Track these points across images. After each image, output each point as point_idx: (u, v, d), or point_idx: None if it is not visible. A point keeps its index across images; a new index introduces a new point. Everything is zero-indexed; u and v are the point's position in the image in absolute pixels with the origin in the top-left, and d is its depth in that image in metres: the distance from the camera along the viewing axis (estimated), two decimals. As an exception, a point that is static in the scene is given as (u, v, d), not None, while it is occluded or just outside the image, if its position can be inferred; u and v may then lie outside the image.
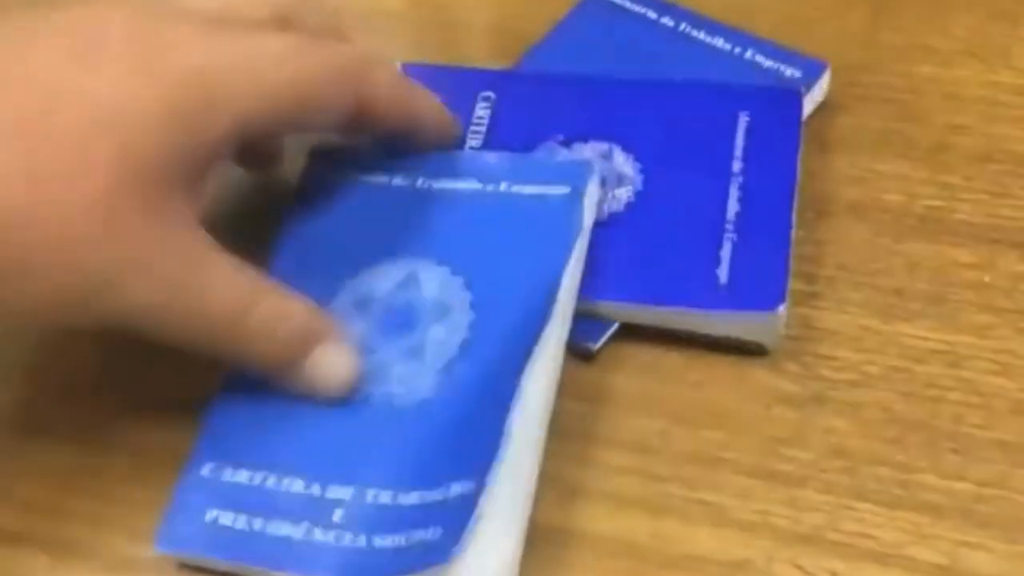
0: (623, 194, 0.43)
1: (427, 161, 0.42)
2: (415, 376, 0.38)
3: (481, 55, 0.51)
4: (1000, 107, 0.46)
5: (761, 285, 0.40)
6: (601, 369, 0.40)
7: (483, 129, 0.45)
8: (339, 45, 0.39)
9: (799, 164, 0.43)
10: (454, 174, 0.42)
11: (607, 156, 0.44)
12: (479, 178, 0.42)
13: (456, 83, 0.45)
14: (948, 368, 0.40)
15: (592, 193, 0.41)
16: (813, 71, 0.46)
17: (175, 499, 0.37)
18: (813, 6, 0.50)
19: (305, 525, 0.35)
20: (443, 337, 0.38)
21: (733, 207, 0.42)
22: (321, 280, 0.40)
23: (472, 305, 0.39)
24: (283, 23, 0.39)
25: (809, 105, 0.46)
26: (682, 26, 0.48)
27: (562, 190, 0.41)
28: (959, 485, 0.37)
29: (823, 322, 0.41)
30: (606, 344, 0.41)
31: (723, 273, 0.40)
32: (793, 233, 0.41)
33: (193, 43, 0.36)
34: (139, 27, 0.35)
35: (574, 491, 0.38)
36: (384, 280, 0.40)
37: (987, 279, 0.42)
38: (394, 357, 0.38)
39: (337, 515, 0.35)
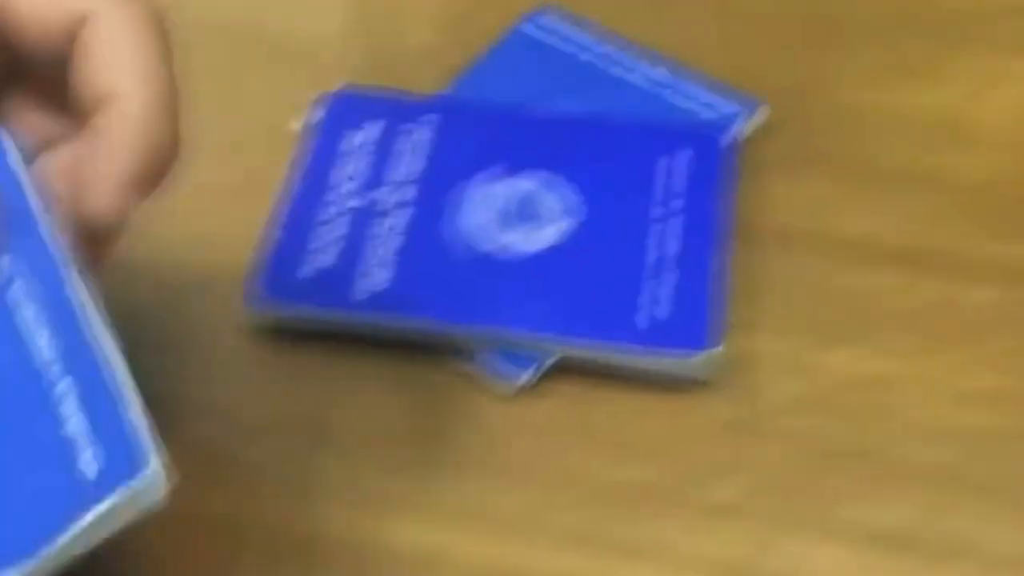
0: (561, 226, 0.43)
1: None
2: None
3: (414, 81, 0.51)
4: (927, 129, 0.47)
5: (686, 326, 0.40)
6: (530, 402, 0.41)
7: (424, 154, 0.45)
8: None
9: (727, 199, 0.44)
10: None
11: (549, 186, 0.44)
12: None
13: (393, 109, 0.46)
14: (877, 395, 0.40)
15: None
16: (746, 103, 0.47)
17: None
18: (746, 32, 0.51)
19: None
20: None
21: (654, 249, 0.42)
22: None
23: None
24: None
25: (743, 132, 0.47)
26: (618, 55, 0.49)
27: None
28: (888, 514, 0.38)
29: (756, 350, 0.42)
30: (534, 378, 0.41)
31: (643, 316, 0.41)
32: (722, 269, 0.42)
33: None
34: None
35: (504, 527, 0.38)
36: None
37: (915, 304, 0.42)
38: None
39: None
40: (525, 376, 0.40)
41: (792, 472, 0.39)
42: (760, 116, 0.47)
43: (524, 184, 0.44)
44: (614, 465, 0.39)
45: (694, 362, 0.40)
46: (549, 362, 0.41)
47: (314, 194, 0.44)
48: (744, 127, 0.46)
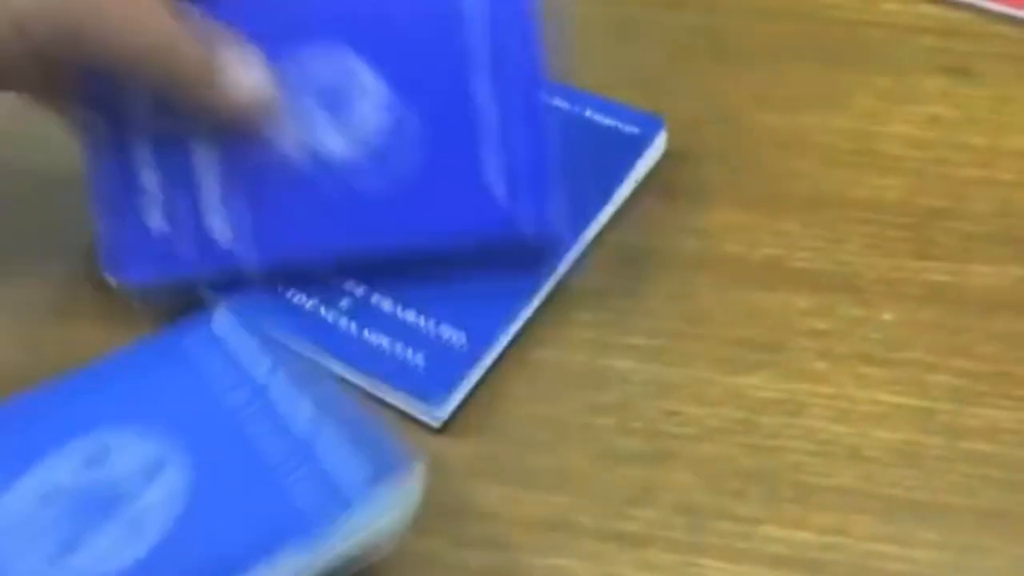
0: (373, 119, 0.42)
1: None
2: None
3: None
4: (834, 152, 0.48)
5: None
6: (446, 436, 0.40)
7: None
8: None
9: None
10: None
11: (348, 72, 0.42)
12: None
13: None
14: (787, 417, 0.40)
15: None
16: (650, 127, 0.47)
17: None
18: (651, 58, 0.51)
19: None
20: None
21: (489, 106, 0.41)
22: None
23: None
24: None
25: (650, 159, 0.47)
26: None
27: None
28: (800, 534, 0.38)
29: (666, 377, 0.41)
30: (452, 412, 0.41)
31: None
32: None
33: None
34: None
35: (420, 564, 0.38)
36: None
37: (823, 326, 0.42)
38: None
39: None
40: (447, 412, 0.40)
41: (704, 496, 0.39)
42: (670, 135, 0.47)
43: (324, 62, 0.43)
44: (529, 497, 0.39)
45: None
46: (460, 396, 0.40)
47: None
48: (656, 146, 0.47)
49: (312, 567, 0.34)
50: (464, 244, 0.41)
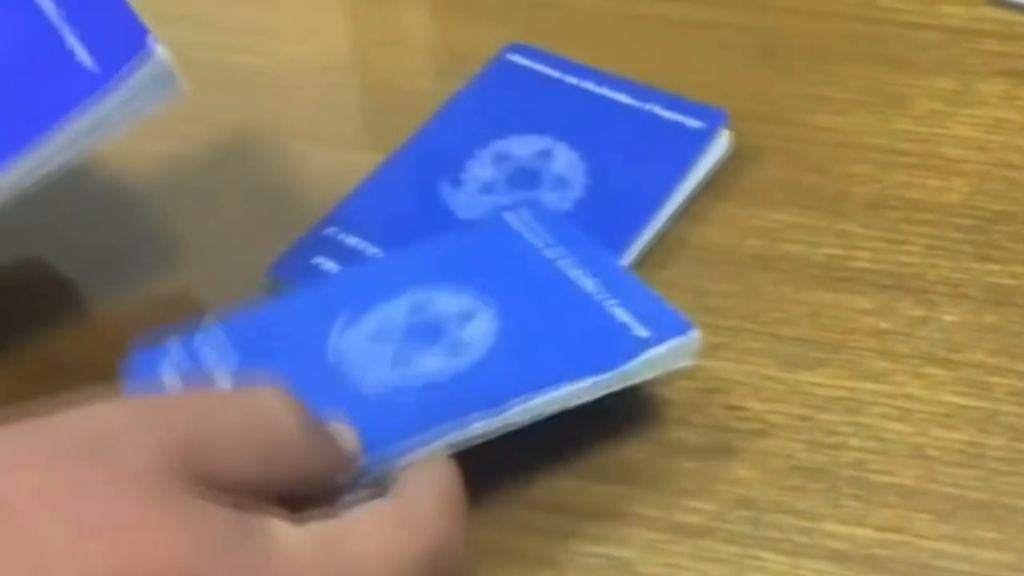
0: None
1: None
2: None
3: (389, 116, 0.51)
4: (895, 155, 0.48)
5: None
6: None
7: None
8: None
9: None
10: None
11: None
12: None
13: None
14: (849, 415, 0.40)
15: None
16: (713, 120, 0.47)
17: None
18: (709, 60, 0.52)
19: None
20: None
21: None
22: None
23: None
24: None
25: (711, 161, 0.47)
26: (586, 83, 0.49)
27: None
28: (861, 531, 0.38)
29: (727, 373, 0.42)
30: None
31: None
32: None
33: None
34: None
35: (479, 549, 0.37)
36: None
37: (885, 325, 0.42)
38: None
39: None
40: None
41: (764, 491, 0.39)
42: (729, 141, 0.47)
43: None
44: (588, 487, 0.39)
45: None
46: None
47: None
48: (719, 144, 0.47)
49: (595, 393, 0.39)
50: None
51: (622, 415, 0.40)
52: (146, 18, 0.41)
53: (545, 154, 0.47)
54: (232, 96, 0.51)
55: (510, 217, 0.44)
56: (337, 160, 0.49)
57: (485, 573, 0.37)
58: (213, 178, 0.49)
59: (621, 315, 0.40)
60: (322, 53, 0.54)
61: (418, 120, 0.49)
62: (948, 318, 0.42)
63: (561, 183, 0.46)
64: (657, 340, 0.39)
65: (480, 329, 0.40)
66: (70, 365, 0.43)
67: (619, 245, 0.44)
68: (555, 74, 0.50)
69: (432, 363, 0.39)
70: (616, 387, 0.39)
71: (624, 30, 0.53)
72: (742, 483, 0.39)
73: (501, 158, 0.47)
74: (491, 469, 0.39)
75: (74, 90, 0.40)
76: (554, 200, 0.46)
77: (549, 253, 0.42)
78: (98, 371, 0.37)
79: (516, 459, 0.40)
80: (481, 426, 0.37)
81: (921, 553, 0.37)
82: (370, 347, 0.40)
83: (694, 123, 0.47)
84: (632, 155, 0.47)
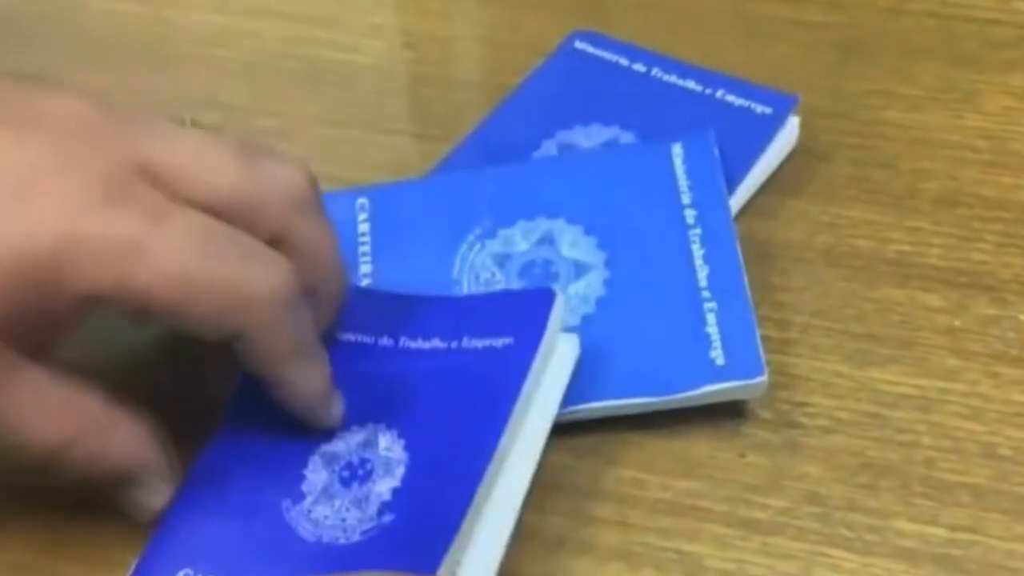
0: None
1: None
2: None
3: (456, 107, 0.51)
4: (967, 151, 0.47)
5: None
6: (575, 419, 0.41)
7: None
8: (266, 265, 0.36)
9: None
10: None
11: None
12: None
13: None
14: (920, 413, 0.40)
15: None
16: (783, 105, 0.47)
17: None
18: (779, 54, 0.51)
19: None
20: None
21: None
22: None
23: None
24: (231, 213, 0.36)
25: (780, 151, 0.47)
26: (653, 70, 0.49)
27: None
28: (932, 530, 0.37)
29: (796, 369, 0.41)
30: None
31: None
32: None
33: (72, 207, 0.34)
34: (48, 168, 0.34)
35: (552, 542, 0.38)
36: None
37: (957, 323, 0.42)
38: None
39: None
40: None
41: (834, 488, 0.38)
42: (800, 129, 0.47)
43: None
44: (657, 481, 0.39)
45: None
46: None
47: None
48: (788, 136, 0.47)
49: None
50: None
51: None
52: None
53: (611, 144, 0.47)
54: (301, 88, 0.52)
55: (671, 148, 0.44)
56: (404, 151, 0.49)
57: (556, 564, 0.37)
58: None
59: (710, 325, 0.40)
60: (387, 46, 0.54)
61: (485, 111, 0.49)
62: (1022, 316, 0.42)
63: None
64: (728, 376, 0.39)
65: (591, 283, 0.42)
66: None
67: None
68: (622, 61, 0.50)
69: None
70: (675, 405, 0.40)
71: (696, 23, 0.53)
72: (811, 480, 0.39)
73: (567, 148, 0.47)
74: (563, 461, 0.39)
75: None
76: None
77: (683, 199, 0.43)
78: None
79: (588, 452, 0.40)
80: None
81: (994, 553, 0.37)
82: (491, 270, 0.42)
83: (763, 109, 0.47)
84: None
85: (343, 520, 0.37)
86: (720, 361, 0.40)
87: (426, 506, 0.36)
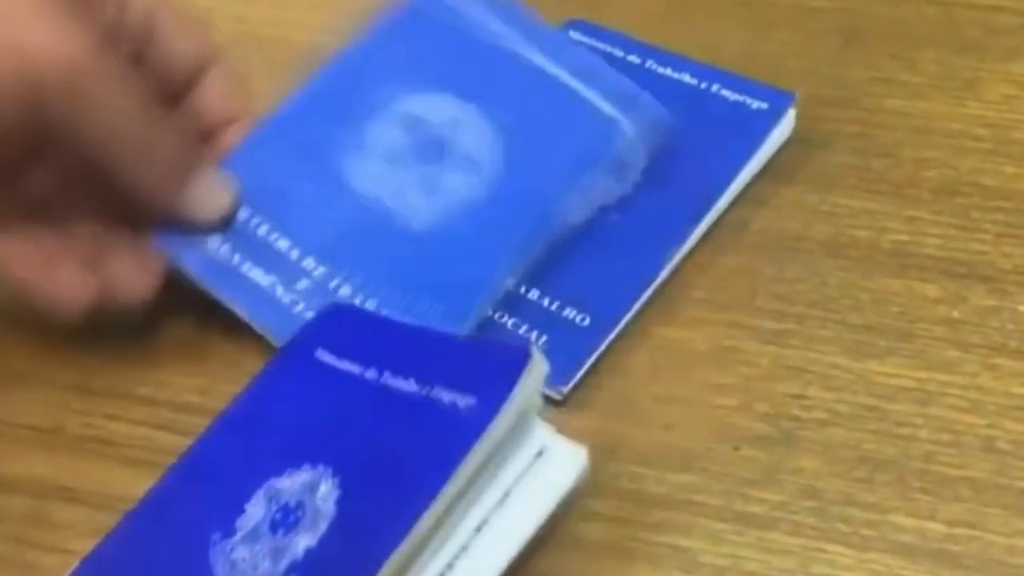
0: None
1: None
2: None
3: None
4: (968, 140, 0.46)
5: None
6: (569, 412, 0.40)
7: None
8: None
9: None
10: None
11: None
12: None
13: None
14: (918, 406, 0.39)
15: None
16: (780, 102, 0.46)
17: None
18: (780, 41, 0.50)
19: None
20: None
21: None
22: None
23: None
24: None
25: (777, 139, 0.46)
26: (648, 63, 0.48)
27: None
28: (930, 525, 0.37)
29: (793, 361, 0.41)
30: (573, 387, 0.40)
31: None
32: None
33: None
34: None
35: (544, 538, 0.37)
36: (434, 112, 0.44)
37: (956, 314, 0.41)
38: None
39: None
40: (569, 385, 0.40)
41: (831, 482, 0.38)
42: (799, 117, 0.46)
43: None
44: (651, 475, 0.38)
45: None
46: (582, 371, 0.40)
47: None
48: (785, 126, 0.46)
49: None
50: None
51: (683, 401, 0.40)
52: None
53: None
54: (289, 73, 0.51)
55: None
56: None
57: (549, 559, 0.37)
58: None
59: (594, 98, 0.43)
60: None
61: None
62: (1021, 308, 0.41)
63: (620, 166, 0.45)
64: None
65: (479, 136, 0.43)
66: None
67: (680, 229, 0.43)
68: (617, 52, 0.49)
69: (456, 182, 0.42)
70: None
71: (696, 10, 0.52)
72: (807, 473, 0.38)
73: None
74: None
75: None
76: (612, 183, 0.45)
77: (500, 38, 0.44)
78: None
79: (582, 445, 0.39)
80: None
81: (993, 549, 0.36)
82: (392, 175, 0.42)
83: (759, 104, 0.46)
84: (694, 137, 0.46)
85: (255, 568, 0.35)
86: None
87: None
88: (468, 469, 0.34)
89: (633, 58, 0.48)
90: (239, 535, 0.35)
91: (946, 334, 0.41)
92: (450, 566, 0.34)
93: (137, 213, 0.41)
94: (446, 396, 0.36)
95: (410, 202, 0.43)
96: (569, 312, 0.42)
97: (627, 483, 0.38)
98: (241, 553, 0.35)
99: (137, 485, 0.38)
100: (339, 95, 0.45)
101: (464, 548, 0.34)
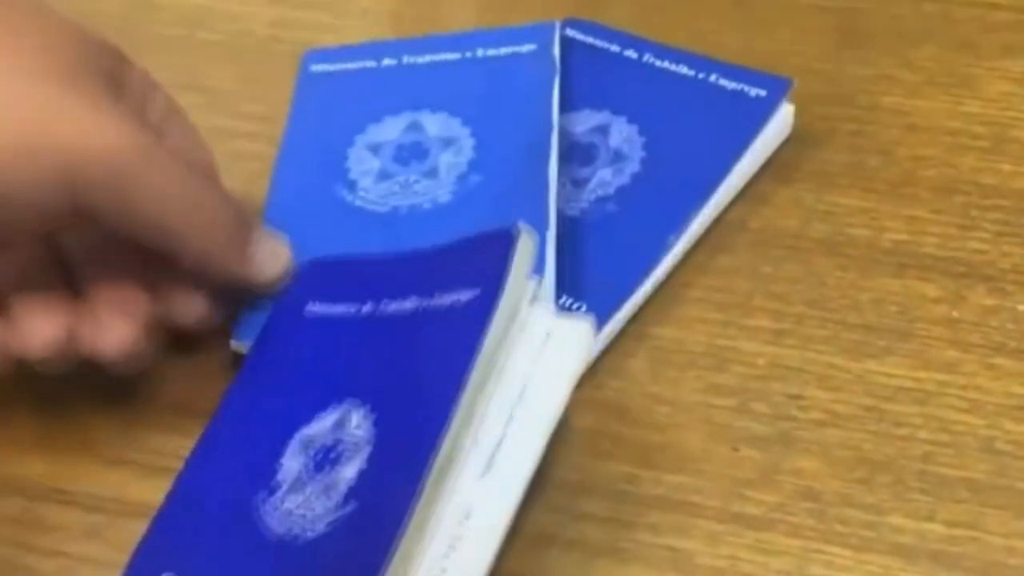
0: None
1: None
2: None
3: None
4: (966, 138, 0.46)
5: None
6: (565, 411, 0.40)
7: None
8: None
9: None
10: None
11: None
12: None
13: None
14: (917, 406, 0.39)
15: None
16: (777, 88, 0.46)
17: None
18: (776, 39, 0.50)
19: None
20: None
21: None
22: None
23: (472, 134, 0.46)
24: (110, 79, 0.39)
25: (775, 136, 0.46)
26: (645, 57, 0.48)
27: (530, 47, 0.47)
28: (929, 526, 0.37)
29: (791, 360, 0.41)
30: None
31: None
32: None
33: None
34: None
35: (540, 538, 0.37)
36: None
37: (955, 314, 0.41)
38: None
39: None
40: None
41: (829, 483, 0.38)
42: (796, 116, 0.46)
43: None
44: (649, 476, 0.38)
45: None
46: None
47: None
48: (783, 123, 0.46)
49: None
50: None
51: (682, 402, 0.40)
52: None
53: (602, 129, 0.46)
54: (287, 72, 0.51)
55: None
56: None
57: (546, 561, 0.37)
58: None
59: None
60: (375, 30, 0.53)
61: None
62: (1021, 307, 0.41)
63: (618, 157, 0.45)
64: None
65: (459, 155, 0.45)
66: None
67: (680, 217, 0.43)
68: (613, 48, 0.49)
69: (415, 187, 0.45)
70: None
71: (691, 8, 0.52)
72: (805, 474, 0.38)
73: (559, 134, 0.46)
74: (552, 455, 0.38)
75: None
76: (610, 175, 0.45)
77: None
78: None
79: (578, 446, 0.39)
80: None
81: (992, 550, 0.36)
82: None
83: (758, 92, 0.46)
84: (692, 126, 0.46)
85: (312, 510, 0.35)
86: None
87: (384, 492, 0.34)
88: (487, 352, 0.35)
89: (630, 53, 0.48)
90: (284, 488, 0.36)
91: (945, 334, 0.41)
92: (492, 457, 0.35)
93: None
94: (447, 299, 0.37)
95: None
96: (565, 301, 0.41)
97: (624, 484, 0.38)
98: (292, 502, 0.35)
99: (132, 487, 0.38)
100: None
101: (499, 442, 0.35)
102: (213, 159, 0.42)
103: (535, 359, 0.36)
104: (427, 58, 0.49)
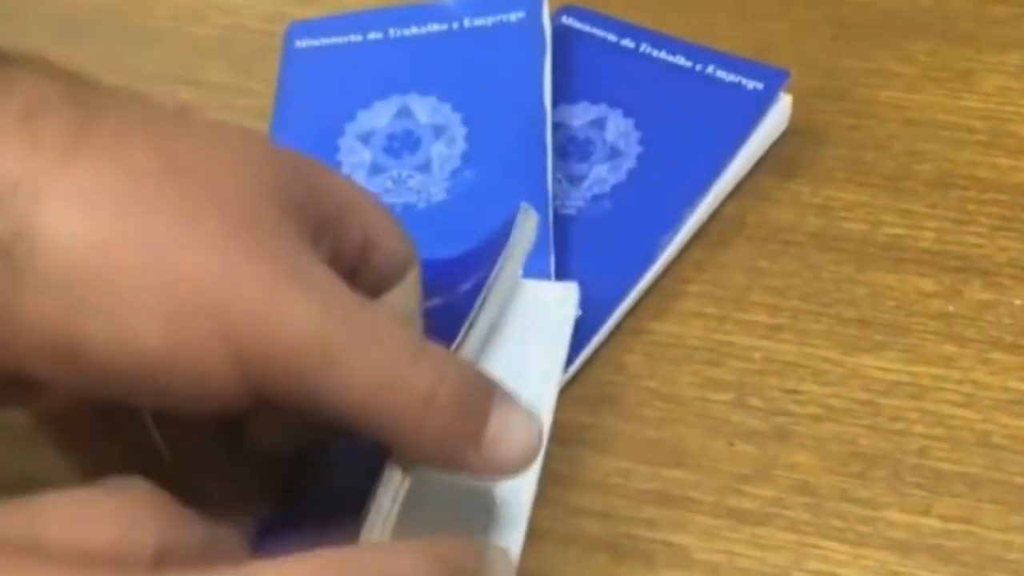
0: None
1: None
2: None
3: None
4: (963, 132, 0.46)
5: None
6: (559, 407, 0.39)
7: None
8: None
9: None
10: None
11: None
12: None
13: None
14: (912, 400, 0.39)
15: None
16: (774, 80, 0.46)
17: None
18: (773, 33, 0.50)
19: None
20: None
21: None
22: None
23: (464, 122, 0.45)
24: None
25: (772, 129, 0.46)
26: (642, 46, 0.48)
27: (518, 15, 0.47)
28: (925, 521, 0.37)
29: (786, 355, 0.40)
30: (566, 381, 0.40)
31: None
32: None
33: None
34: None
35: (536, 533, 0.37)
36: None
37: (951, 308, 0.41)
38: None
39: None
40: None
41: (824, 477, 0.37)
42: (792, 109, 0.46)
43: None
44: (644, 471, 0.38)
45: None
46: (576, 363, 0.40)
47: None
48: (779, 117, 0.46)
49: None
50: None
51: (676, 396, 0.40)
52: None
53: (598, 123, 0.46)
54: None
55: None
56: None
57: (541, 557, 0.36)
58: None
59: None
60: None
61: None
62: (1017, 302, 0.41)
63: (614, 153, 0.45)
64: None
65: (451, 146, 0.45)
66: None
67: (676, 213, 0.43)
68: (611, 38, 0.48)
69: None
70: None
71: (689, 1, 0.52)
72: (801, 469, 0.38)
73: (554, 128, 0.46)
74: (548, 449, 0.38)
75: None
76: (606, 172, 0.45)
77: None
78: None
79: (573, 440, 0.39)
80: None
81: (988, 545, 0.36)
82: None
83: (755, 84, 0.46)
84: (689, 119, 0.46)
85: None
86: None
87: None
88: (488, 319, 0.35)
89: (627, 42, 0.48)
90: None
91: (941, 328, 0.41)
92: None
93: None
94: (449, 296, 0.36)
95: None
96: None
97: (619, 479, 0.38)
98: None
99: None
100: None
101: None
102: (418, 269, 0.34)
103: (530, 325, 0.36)
104: (413, 30, 0.48)
